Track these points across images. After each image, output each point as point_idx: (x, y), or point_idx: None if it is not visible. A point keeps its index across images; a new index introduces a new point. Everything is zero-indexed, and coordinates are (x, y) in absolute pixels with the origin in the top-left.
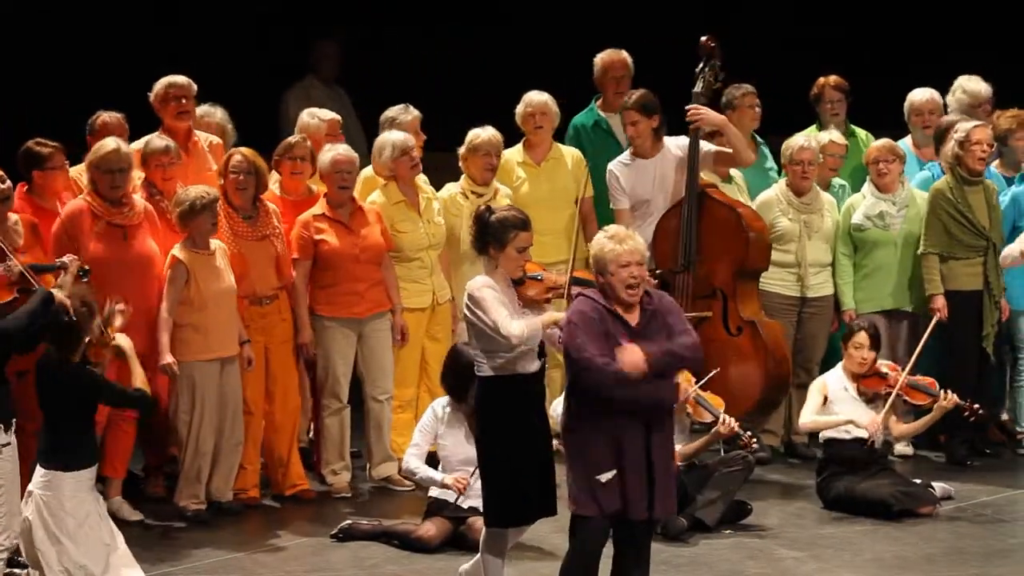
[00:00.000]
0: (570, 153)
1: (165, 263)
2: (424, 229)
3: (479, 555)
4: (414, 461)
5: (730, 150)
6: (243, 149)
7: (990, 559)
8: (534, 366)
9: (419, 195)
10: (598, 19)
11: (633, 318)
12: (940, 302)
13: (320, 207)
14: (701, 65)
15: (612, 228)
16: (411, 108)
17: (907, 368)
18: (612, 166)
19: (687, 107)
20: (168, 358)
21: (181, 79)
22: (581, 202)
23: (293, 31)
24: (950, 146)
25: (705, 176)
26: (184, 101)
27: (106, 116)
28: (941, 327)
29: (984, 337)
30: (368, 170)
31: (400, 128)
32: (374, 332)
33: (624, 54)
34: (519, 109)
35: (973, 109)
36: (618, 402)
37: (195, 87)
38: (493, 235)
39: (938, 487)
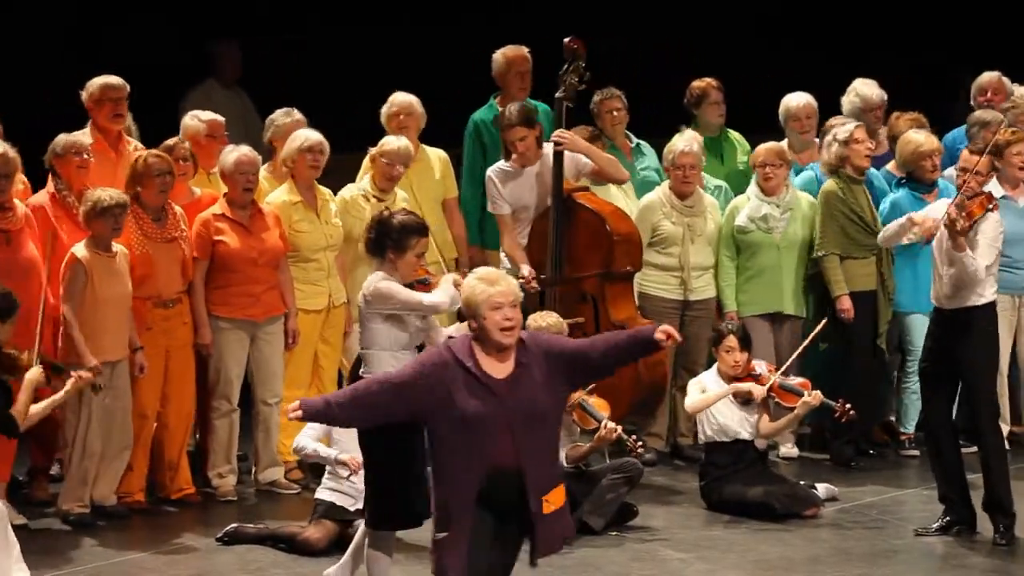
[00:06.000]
0: (436, 154)
1: (63, 261)
2: (322, 230)
3: (346, 557)
4: (306, 440)
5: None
6: (156, 151)
7: (875, 560)
8: None
9: (317, 196)
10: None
11: (504, 369)
12: (847, 302)
13: (220, 207)
14: (565, 67)
15: (482, 269)
16: (295, 112)
17: (780, 370)
18: (491, 172)
19: (553, 134)
20: (92, 360)
21: (117, 81)
22: (445, 202)
23: (194, 33)
24: (833, 149)
25: (575, 182)
26: (119, 103)
27: None
28: (834, 329)
29: (880, 335)
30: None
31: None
32: (267, 335)
33: (525, 50)
34: (384, 109)
35: (864, 113)
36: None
37: (128, 88)
38: (394, 239)
39: (822, 488)
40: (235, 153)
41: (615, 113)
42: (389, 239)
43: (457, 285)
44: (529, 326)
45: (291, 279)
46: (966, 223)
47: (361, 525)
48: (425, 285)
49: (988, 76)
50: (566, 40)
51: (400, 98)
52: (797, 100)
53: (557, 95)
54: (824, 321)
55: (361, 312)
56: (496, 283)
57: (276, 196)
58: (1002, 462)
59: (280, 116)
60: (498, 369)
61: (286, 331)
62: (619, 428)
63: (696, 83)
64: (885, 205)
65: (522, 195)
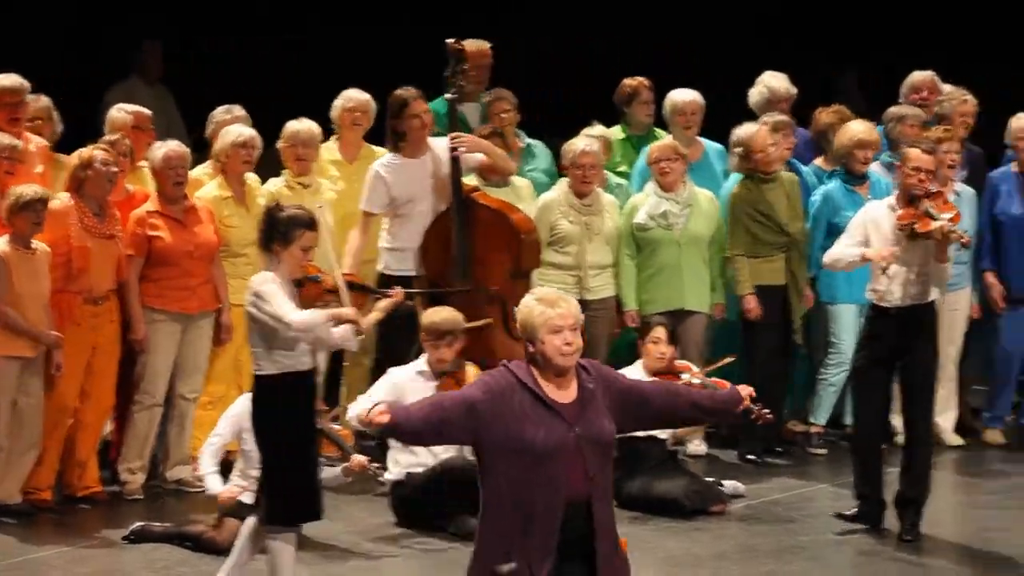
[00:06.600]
0: (381, 152)
1: None
2: (252, 224)
3: (234, 555)
4: (208, 458)
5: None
6: (101, 145)
7: (781, 556)
8: (307, 363)
9: (247, 191)
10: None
11: (567, 395)
12: (752, 301)
13: (153, 203)
14: (451, 68)
15: (540, 290)
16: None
17: (701, 370)
18: (379, 167)
19: (450, 135)
20: (48, 333)
21: (13, 83)
22: None
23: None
24: (735, 161)
25: (466, 181)
26: (17, 107)
27: None
28: (746, 324)
29: (795, 330)
30: (197, 169)
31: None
32: (198, 329)
33: (487, 45)
34: (337, 103)
35: (771, 105)
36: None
37: (28, 87)
38: (280, 232)
39: (729, 485)
40: (163, 148)
41: (503, 115)
42: (276, 231)
43: (348, 321)
44: (422, 323)
45: (224, 274)
46: (953, 229)
47: (248, 521)
48: (316, 283)
49: (921, 75)
50: (449, 41)
51: (358, 95)
52: (683, 96)
53: (447, 97)
54: (732, 358)
55: (246, 310)
56: (556, 304)
57: (207, 191)
58: (929, 460)
59: (220, 113)
60: (561, 395)
61: (220, 326)
62: None
63: (627, 81)
64: (816, 197)
65: (409, 188)
